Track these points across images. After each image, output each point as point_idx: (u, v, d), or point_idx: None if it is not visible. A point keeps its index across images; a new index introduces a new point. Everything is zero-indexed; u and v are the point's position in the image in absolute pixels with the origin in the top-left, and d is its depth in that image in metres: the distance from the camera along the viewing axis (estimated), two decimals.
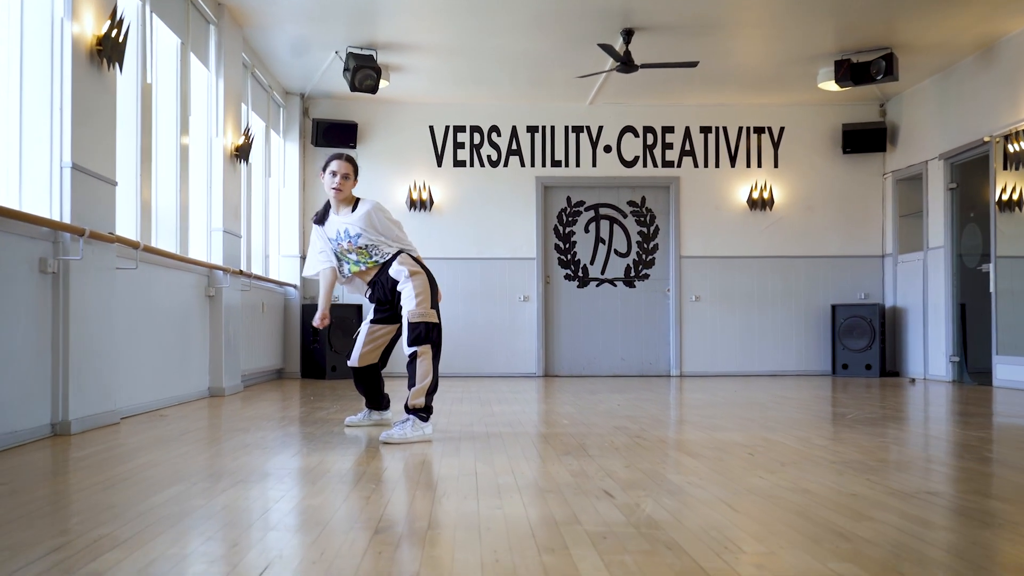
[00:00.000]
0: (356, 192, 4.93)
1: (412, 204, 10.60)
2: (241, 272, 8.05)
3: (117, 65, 5.13)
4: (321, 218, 4.87)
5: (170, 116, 6.79)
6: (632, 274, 10.96)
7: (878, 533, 2.51)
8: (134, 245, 5.45)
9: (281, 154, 10.34)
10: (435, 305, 4.68)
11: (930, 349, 9.82)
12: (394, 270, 4.70)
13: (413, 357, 4.56)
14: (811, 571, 2.13)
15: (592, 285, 10.95)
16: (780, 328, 10.83)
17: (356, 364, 4.94)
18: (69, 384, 4.67)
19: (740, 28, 8.42)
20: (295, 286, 10.39)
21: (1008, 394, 7.73)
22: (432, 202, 10.65)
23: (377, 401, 5.13)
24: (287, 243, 10.45)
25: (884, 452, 4.22)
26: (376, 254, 4.76)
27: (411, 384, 4.57)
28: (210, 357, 7.41)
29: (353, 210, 4.78)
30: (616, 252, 10.97)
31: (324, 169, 4.84)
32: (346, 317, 9.86)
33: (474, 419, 5.63)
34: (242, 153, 7.98)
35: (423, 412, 4.56)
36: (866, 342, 10.31)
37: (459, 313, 10.47)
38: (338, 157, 4.85)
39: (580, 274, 10.97)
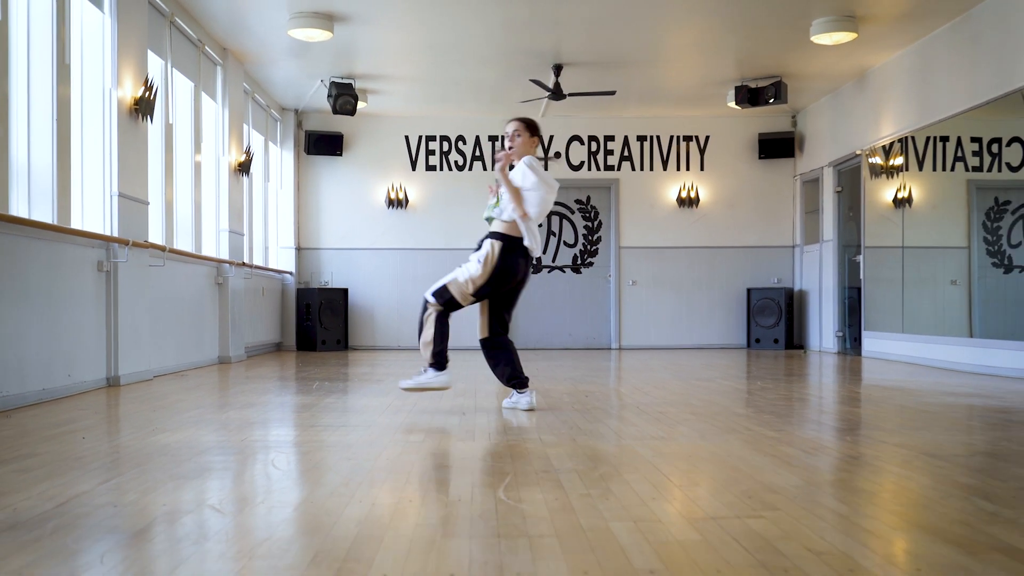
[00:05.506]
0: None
1: (390, 203, 12.44)
2: (244, 263, 9.92)
3: (149, 118, 6.99)
4: None
5: (186, 143, 8.65)
6: (578, 262, 12.80)
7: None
8: (162, 249, 7.33)
9: (279, 161, 12.20)
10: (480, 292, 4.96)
11: (823, 326, 11.66)
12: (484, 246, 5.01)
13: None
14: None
15: (544, 271, 12.80)
16: (705, 308, 12.67)
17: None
18: (119, 351, 6.55)
19: (655, 62, 10.18)
20: (291, 273, 12.28)
21: (868, 362, 9.56)
22: (407, 201, 12.50)
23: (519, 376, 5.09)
24: (284, 236, 12.32)
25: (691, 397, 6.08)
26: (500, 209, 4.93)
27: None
28: (219, 332, 9.29)
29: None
30: (565, 243, 12.80)
31: None
32: (334, 299, 11.76)
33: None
34: (244, 168, 9.84)
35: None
36: (774, 320, 12.16)
37: None
38: (512, 120, 5.11)
39: (534, 262, 12.77)
